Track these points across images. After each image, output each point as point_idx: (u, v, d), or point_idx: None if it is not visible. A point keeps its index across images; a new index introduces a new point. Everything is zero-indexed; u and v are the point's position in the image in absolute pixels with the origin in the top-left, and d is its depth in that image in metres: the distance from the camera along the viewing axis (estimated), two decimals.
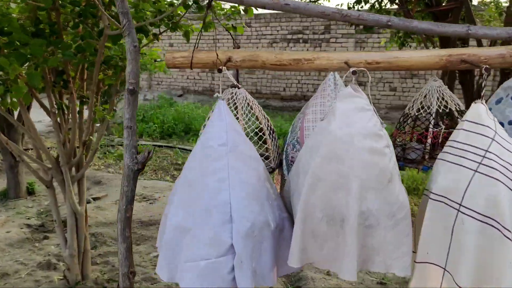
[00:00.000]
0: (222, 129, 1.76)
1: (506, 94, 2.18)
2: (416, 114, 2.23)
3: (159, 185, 6.93)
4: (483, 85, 1.78)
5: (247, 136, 2.12)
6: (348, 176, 1.63)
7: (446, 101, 2.13)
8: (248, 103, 2.26)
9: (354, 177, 1.63)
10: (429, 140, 2.20)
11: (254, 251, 1.67)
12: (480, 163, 1.61)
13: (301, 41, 12.08)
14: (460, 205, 1.61)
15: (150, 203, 6.13)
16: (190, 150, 8.27)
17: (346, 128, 1.67)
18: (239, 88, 2.26)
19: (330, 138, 1.67)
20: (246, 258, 1.64)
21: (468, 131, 1.69)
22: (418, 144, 2.29)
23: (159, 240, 1.93)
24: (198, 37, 2.05)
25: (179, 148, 8.54)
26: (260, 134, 2.23)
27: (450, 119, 2.08)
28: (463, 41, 5.54)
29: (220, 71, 1.78)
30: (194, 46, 1.99)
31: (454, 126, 2.10)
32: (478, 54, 1.88)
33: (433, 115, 2.09)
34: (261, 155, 2.18)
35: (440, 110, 2.11)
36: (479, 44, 5.15)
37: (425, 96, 2.20)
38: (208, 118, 1.90)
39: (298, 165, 1.82)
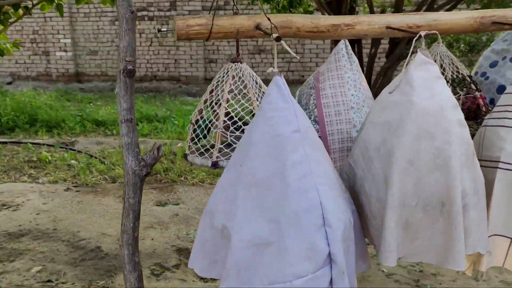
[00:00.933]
0: (290, 112, 1.41)
1: (501, 57, 2.21)
2: None
3: (17, 188, 5.86)
4: None
5: None
6: (444, 154, 1.44)
7: (457, 67, 2.07)
8: (256, 81, 1.90)
9: (451, 155, 1.44)
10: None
11: (346, 256, 1.39)
12: None
13: (146, 18, 11.38)
14: None
15: (14, 210, 5.13)
16: (48, 145, 7.22)
17: (431, 99, 1.47)
18: (241, 62, 1.89)
19: (416, 112, 1.46)
20: (345, 266, 1.35)
21: None
22: None
23: (202, 264, 1.50)
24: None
25: (30, 143, 7.38)
26: None
27: (463, 86, 2.03)
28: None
29: (279, 39, 1.41)
30: (212, 11, 1.56)
31: (471, 92, 2.06)
32: (506, 15, 1.84)
33: (450, 82, 2.01)
34: None
35: (455, 77, 2.04)
36: None
37: None
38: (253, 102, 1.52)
39: (365, 148, 1.56)
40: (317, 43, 11.10)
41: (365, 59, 5.26)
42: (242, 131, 1.82)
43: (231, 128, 1.81)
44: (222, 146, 1.80)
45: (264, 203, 1.36)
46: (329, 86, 1.91)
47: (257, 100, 1.85)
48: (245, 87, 1.86)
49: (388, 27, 1.71)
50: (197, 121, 1.91)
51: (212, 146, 1.84)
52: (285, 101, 1.42)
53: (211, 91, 1.91)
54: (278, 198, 1.35)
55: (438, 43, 2.10)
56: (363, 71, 4.95)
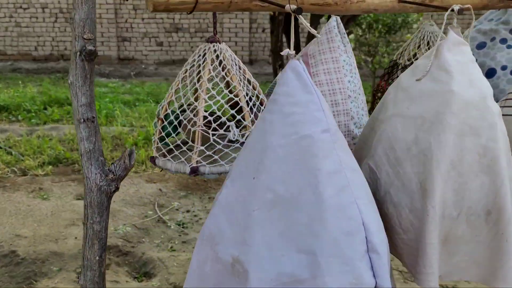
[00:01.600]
0: (316, 106, 1.08)
1: (490, 38, 2.03)
2: (408, 63, 1.90)
3: None
4: None
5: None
6: (491, 154, 1.21)
7: None
8: (239, 66, 1.55)
9: (498, 154, 1.21)
10: None
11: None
12: None
13: None
14: None
15: None
16: None
17: (472, 88, 1.22)
18: (220, 42, 1.53)
19: (458, 104, 1.20)
20: None
21: None
22: None
23: None
24: None
25: None
26: (262, 108, 1.56)
27: None
28: None
29: (300, 11, 1.07)
30: None
31: None
32: None
33: None
34: None
35: None
36: None
37: (419, 46, 1.88)
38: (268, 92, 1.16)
39: (391, 148, 1.28)
40: (236, 22, 10.75)
41: (302, 39, 5.02)
42: (228, 129, 1.47)
43: (213, 125, 1.45)
44: (203, 147, 1.43)
45: (292, 227, 1.04)
46: (323, 71, 1.61)
47: (244, 89, 1.50)
48: (228, 73, 1.50)
49: (400, 1, 1.44)
50: (167, 116, 1.52)
51: (190, 148, 1.46)
52: (308, 91, 1.09)
53: (184, 79, 1.52)
54: (310, 220, 1.03)
55: (431, 24, 1.88)
56: (300, 50, 4.73)
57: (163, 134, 1.52)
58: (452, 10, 1.26)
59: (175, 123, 1.51)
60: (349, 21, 4.55)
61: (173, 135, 1.52)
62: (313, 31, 1.12)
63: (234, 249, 1.08)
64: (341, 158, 1.08)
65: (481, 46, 2.04)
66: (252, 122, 1.49)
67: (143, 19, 10.59)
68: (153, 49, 10.86)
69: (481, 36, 2.06)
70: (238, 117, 1.47)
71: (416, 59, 1.85)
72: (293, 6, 1.06)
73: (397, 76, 1.93)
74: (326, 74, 1.61)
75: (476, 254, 1.27)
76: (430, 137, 1.22)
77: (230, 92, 1.48)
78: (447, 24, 1.29)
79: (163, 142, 1.53)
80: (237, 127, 1.48)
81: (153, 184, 4.64)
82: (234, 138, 1.46)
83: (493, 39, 2.00)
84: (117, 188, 1.19)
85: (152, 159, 1.52)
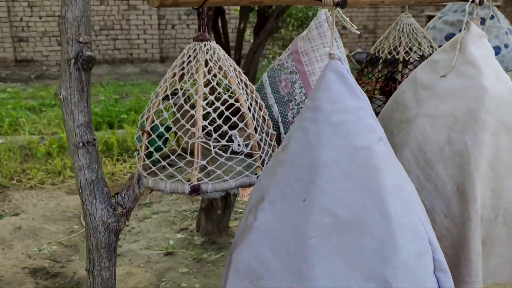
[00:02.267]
0: (367, 112, 0.94)
1: (458, 29, 2.03)
2: (389, 57, 1.83)
3: None
4: None
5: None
6: None
7: (429, 41, 1.82)
8: (234, 67, 1.38)
9: None
10: None
11: None
12: None
13: None
14: None
15: None
16: None
17: (500, 83, 1.17)
18: (210, 41, 1.34)
19: (490, 100, 1.13)
20: None
21: None
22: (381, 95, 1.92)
23: None
24: None
25: None
26: (263, 114, 1.39)
27: None
28: None
29: (345, 4, 0.91)
30: None
31: None
32: None
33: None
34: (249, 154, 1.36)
35: (431, 52, 1.78)
36: None
37: (399, 39, 1.81)
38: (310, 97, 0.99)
39: (420, 150, 1.18)
40: (144, 18, 10.31)
41: (231, 35, 4.87)
42: (230, 139, 1.29)
43: (214, 135, 1.27)
44: (204, 162, 1.24)
45: (358, 254, 0.90)
46: (319, 69, 1.48)
47: (244, 94, 1.32)
48: (225, 75, 1.31)
49: None
50: (154, 128, 1.30)
51: (188, 163, 1.26)
52: (355, 95, 0.96)
53: (173, 84, 1.31)
54: (379, 244, 0.90)
55: (408, 16, 1.82)
56: (229, 48, 4.57)
57: (151, 149, 1.30)
58: (473, 1, 1.20)
59: (167, 135, 1.29)
60: (279, 15, 4.47)
61: (165, 149, 1.30)
62: (353, 29, 0.98)
63: (288, 284, 0.92)
64: (397, 169, 0.96)
65: (449, 37, 2.02)
66: (255, 129, 1.32)
67: (40, 17, 9.78)
68: (54, 49, 10.08)
69: (448, 27, 2.05)
70: (241, 125, 1.30)
71: (398, 52, 1.79)
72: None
73: (379, 70, 1.87)
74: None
75: (510, 256, 1.23)
76: (465, 137, 1.15)
77: (230, 97, 1.30)
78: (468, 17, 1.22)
79: (151, 159, 1.31)
80: (240, 136, 1.31)
81: (75, 195, 4.27)
82: (238, 149, 1.29)
83: (461, 30, 2.00)
84: (124, 222, 0.97)
85: (138, 179, 1.28)
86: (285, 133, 1.49)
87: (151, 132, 1.30)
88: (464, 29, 1.21)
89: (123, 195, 0.96)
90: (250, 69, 4.52)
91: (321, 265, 0.90)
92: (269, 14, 4.58)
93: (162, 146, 1.30)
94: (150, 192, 1.43)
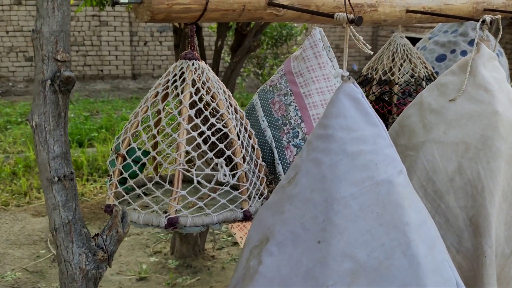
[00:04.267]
0: (385, 142, 0.84)
1: (449, 50, 2.00)
2: (383, 78, 1.74)
3: None
4: None
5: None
6: None
7: (424, 61, 1.75)
8: (223, 90, 1.27)
9: None
10: None
11: None
12: None
13: None
14: None
15: None
16: None
17: None
18: (199, 60, 1.23)
19: (505, 126, 1.06)
20: None
21: None
22: None
23: None
24: None
25: None
26: (254, 145, 1.28)
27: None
28: None
29: (360, 21, 0.81)
30: None
31: None
32: (492, 2, 1.60)
33: (425, 81, 1.67)
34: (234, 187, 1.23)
35: (427, 74, 1.71)
36: None
37: (393, 60, 1.73)
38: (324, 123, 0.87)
39: (428, 180, 1.09)
40: (115, 35, 10.13)
41: (208, 52, 4.76)
42: (215, 168, 1.16)
43: (197, 163, 1.14)
44: (185, 192, 1.11)
45: None
46: (316, 91, 1.39)
47: (233, 119, 1.20)
48: (213, 98, 1.20)
49: (408, 11, 1.28)
50: (130, 151, 1.16)
51: (166, 192, 1.13)
52: (372, 122, 0.86)
53: (154, 104, 1.19)
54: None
55: (402, 36, 1.75)
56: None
57: (125, 175, 1.16)
58: (484, 21, 1.12)
59: (144, 160, 1.16)
60: (257, 33, 4.39)
61: (141, 175, 1.17)
62: (366, 49, 0.88)
63: None
64: (419, 204, 0.86)
65: (441, 58, 1.98)
66: (243, 159, 1.20)
67: (7, 31, 9.49)
68: (21, 64, 9.77)
69: (439, 48, 2.00)
70: (228, 152, 1.18)
71: (392, 73, 1.71)
72: (350, 16, 0.82)
73: (373, 92, 1.79)
74: (319, 94, 1.39)
75: None
76: (478, 165, 1.06)
77: (218, 121, 1.19)
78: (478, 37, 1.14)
79: (125, 186, 1.17)
80: (226, 165, 1.18)
81: (41, 217, 4.05)
82: (224, 179, 1.16)
83: (453, 51, 1.96)
84: (106, 267, 0.83)
85: (108, 208, 1.14)
86: (279, 159, 1.38)
87: (126, 156, 1.17)
88: (475, 51, 1.13)
89: (104, 237, 0.82)
90: (228, 87, 4.40)
91: None
92: (246, 32, 4.50)
93: (138, 172, 1.17)
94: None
